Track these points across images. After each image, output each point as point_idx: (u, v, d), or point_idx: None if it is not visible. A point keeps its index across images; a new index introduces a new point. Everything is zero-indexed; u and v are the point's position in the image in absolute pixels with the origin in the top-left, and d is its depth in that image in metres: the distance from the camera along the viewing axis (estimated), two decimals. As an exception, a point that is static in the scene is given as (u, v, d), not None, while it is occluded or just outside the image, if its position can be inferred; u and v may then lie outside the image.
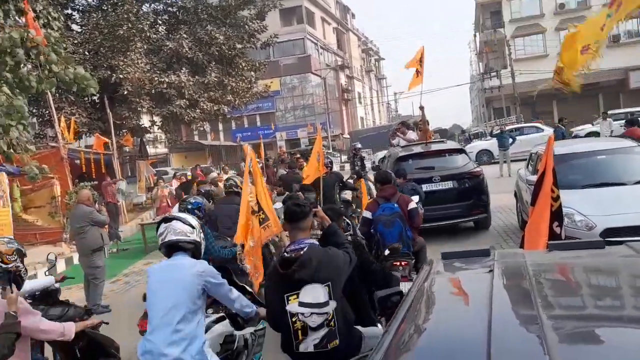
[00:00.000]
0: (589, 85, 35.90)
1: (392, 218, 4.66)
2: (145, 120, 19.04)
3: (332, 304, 2.78)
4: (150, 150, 33.37)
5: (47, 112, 14.33)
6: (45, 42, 8.07)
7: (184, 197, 5.93)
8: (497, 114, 39.36)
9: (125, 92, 15.41)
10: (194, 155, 34.04)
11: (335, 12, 53.67)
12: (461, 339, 1.33)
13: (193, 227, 3.12)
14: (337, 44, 52.85)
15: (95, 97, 16.72)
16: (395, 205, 4.86)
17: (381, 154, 16.75)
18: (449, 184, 8.44)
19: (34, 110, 15.63)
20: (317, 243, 2.98)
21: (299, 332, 2.79)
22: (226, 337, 3.37)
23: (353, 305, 3.04)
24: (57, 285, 3.94)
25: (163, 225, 3.12)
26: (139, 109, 16.28)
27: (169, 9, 17.67)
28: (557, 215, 4.10)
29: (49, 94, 10.63)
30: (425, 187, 7.39)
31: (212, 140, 39.85)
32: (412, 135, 11.42)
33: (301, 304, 2.78)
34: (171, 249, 3.08)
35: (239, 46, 17.19)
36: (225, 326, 3.43)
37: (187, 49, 15.78)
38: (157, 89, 15.54)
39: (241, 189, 5.45)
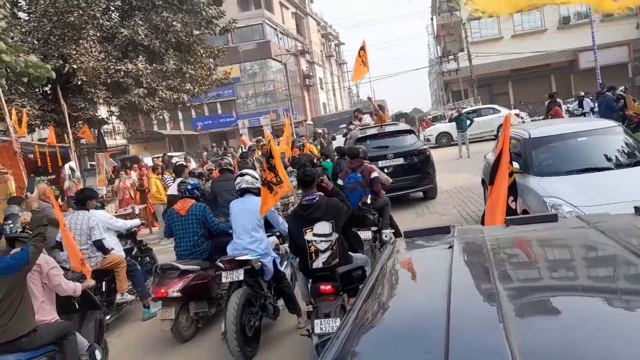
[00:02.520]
0: (541, 66, 37.16)
1: (354, 185, 5.97)
2: (102, 111, 18.48)
3: (334, 235, 4.14)
4: (110, 141, 32.45)
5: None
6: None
7: (182, 179, 6.68)
8: (456, 97, 40.19)
9: (80, 82, 14.88)
10: (154, 145, 33.32)
11: (294, -3, 53.16)
12: (422, 313, 1.38)
13: (257, 179, 5.29)
14: (296, 29, 52.44)
15: (47, 88, 16.08)
16: (359, 175, 6.21)
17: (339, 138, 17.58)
18: (400, 160, 9.90)
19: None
20: (323, 194, 4.37)
21: (313, 254, 4.16)
22: (276, 246, 5.63)
23: (345, 238, 4.37)
24: None
25: (239, 178, 5.28)
26: (95, 99, 15.76)
27: (122, -6, 17.10)
28: (511, 190, 4.33)
29: (2, 85, 10.18)
30: (380, 164, 8.90)
31: (172, 129, 39.03)
32: (368, 119, 13.03)
33: (315, 235, 4.14)
34: (244, 191, 5.23)
35: (196, 33, 16.82)
36: (275, 239, 5.71)
37: (142, 36, 15.32)
38: (114, 78, 15.06)
39: (234, 167, 7.14)
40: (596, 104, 17.22)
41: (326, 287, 4.00)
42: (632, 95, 14.06)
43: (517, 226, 2.15)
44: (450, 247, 1.84)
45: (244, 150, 13.47)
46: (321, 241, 4.13)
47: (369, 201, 5.97)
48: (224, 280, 4.87)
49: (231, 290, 4.84)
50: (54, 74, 8.06)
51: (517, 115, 22.43)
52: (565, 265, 1.72)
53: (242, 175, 5.38)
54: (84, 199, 5.91)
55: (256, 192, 5.24)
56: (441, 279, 1.47)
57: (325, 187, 4.61)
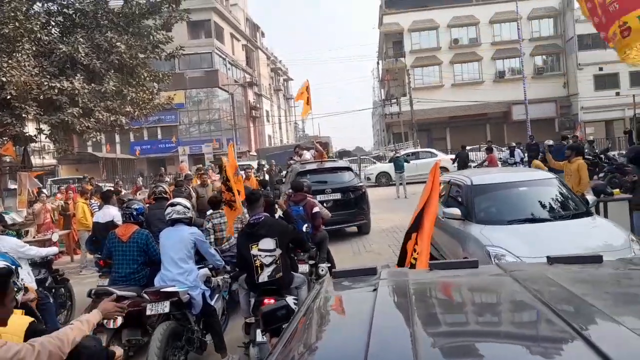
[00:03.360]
0: (478, 115, 39.33)
1: (297, 219, 6.00)
2: (30, 128, 17.42)
3: (278, 251, 4.57)
4: (37, 160, 30.59)
5: None
6: None
7: (127, 202, 6.17)
8: (396, 139, 41.48)
9: (8, 97, 13.99)
10: (87, 167, 31.79)
11: (245, 30, 53.62)
12: (340, 357, 1.39)
13: (188, 209, 5.16)
14: (246, 61, 52.68)
15: (-29, 100, 15.02)
16: (301, 208, 6.49)
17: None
18: (337, 195, 10.33)
19: None
20: (268, 215, 4.93)
21: (259, 267, 4.55)
22: (207, 278, 5.38)
23: (287, 254, 4.90)
24: None
25: (170, 208, 5.14)
26: (23, 115, 14.83)
27: (65, 10, 16.41)
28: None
29: None
30: (319, 197, 8.87)
31: (108, 152, 37.47)
32: (308, 155, 13.64)
33: (260, 249, 4.55)
34: (174, 222, 5.09)
35: (141, 56, 16.38)
36: (207, 271, 5.42)
37: (83, 55, 14.71)
38: (47, 95, 14.28)
39: (169, 195, 7.16)
40: (526, 155, 18.27)
41: (270, 301, 4.34)
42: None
43: (440, 271, 2.20)
44: (374, 289, 1.85)
45: (179, 178, 13.07)
46: (266, 256, 4.56)
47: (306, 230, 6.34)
48: (148, 312, 4.70)
49: (157, 323, 4.65)
50: None
51: (453, 160, 23.34)
52: (482, 311, 1.78)
53: (172, 205, 5.27)
54: None
55: (187, 222, 5.16)
56: (363, 322, 1.49)
57: (280, 207, 5.62)
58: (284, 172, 17.19)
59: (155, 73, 17.89)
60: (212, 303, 5.24)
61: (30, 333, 2.55)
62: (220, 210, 6.86)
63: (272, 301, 4.31)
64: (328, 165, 11.55)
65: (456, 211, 5.98)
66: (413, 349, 1.25)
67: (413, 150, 27.58)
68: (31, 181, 17.59)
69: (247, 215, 6.59)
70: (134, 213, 5.44)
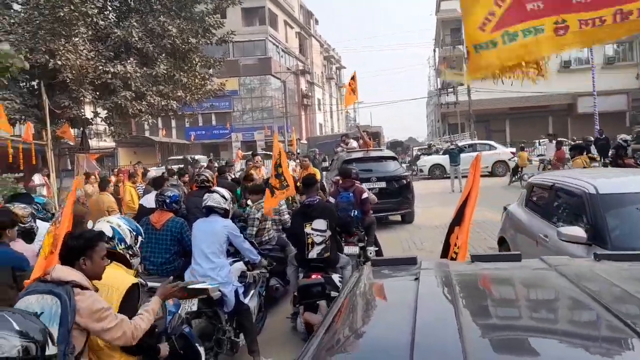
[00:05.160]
0: (540, 107, 37.19)
1: (346, 206, 6.10)
2: (87, 112, 17.86)
3: (328, 232, 5.00)
4: (99, 143, 31.70)
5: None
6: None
7: (161, 189, 5.89)
8: (452, 130, 40.06)
9: (68, 81, 14.29)
10: (143, 151, 32.66)
11: (299, 17, 53.34)
12: (385, 345, 1.37)
13: (226, 199, 4.86)
14: (299, 48, 52.48)
15: (34, 83, 15.48)
16: (351, 194, 6.45)
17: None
18: (382, 184, 10.53)
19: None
20: (320, 199, 5.44)
21: (310, 245, 4.99)
22: (242, 273, 5.08)
23: (335, 237, 5.25)
24: None
25: (207, 195, 4.92)
26: (80, 98, 15.15)
27: (121, -6, 16.66)
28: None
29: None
30: (364, 185, 8.58)
31: (164, 136, 38.34)
32: (354, 144, 14.14)
33: (313, 229, 4.99)
34: (209, 210, 4.81)
35: (193, 40, 16.34)
36: (241, 265, 5.12)
37: (136, 39, 14.82)
38: (102, 79, 14.50)
39: (212, 183, 6.91)
40: (595, 150, 16.87)
41: (317, 277, 4.82)
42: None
43: (481, 263, 2.17)
44: (416, 278, 1.84)
45: (231, 164, 12.92)
46: (317, 235, 4.97)
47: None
48: (183, 307, 4.31)
49: (187, 321, 4.29)
50: (27, 65, 7.46)
51: (513, 154, 22.10)
52: (529, 305, 1.75)
53: (211, 192, 4.98)
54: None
55: (222, 214, 4.83)
56: (406, 311, 1.48)
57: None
58: (328, 160, 17.00)
59: (206, 58, 17.85)
60: (246, 301, 4.88)
61: (130, 293, 2.80)
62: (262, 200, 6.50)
63: (319, 277, 4.82)
64: (373, 154, 11.79)
65: (578, 232, 4.10)
66: (460, 339, 1.23)
67: (470, 142, 26.33)
68: (89, 164, 18.09)
69: (284, 207, 6.66)
70: (167, 201, 5.15)
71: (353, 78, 13.65)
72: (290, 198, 7.66)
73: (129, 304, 2.79)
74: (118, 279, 2.84)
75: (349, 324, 1.68)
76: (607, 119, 31.53)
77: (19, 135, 15.16)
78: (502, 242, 6.12)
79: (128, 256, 3.09)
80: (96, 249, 2.63)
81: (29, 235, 3.95)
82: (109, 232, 3.03)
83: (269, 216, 6.38)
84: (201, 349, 3.68)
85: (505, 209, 6.49)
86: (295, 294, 5.06)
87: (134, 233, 3.18)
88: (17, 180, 11.62)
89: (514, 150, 22.64)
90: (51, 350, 1.89)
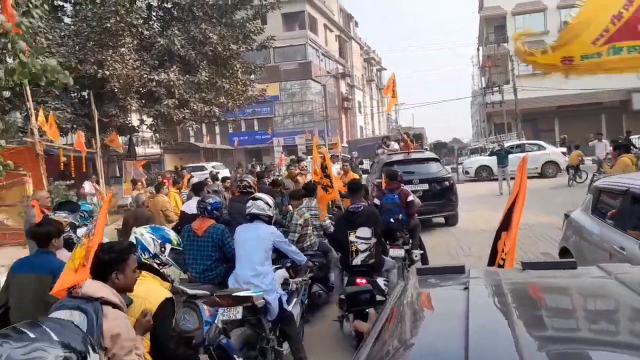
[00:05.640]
0: (592, 104, 35.54)
1: (391, 207, 5.98)
2: (134, 119, 18.40)
3: (373, 240, 4.93)
4: (145, 150, 32.70)
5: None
6: (18, 30, 7.46)
7: (203, 196, 5.94)
8: (498, 130, 38.88)
9: (116, 90, 14.77)
10: (189, 157, 33.36)
11: (339, 20, 53.31)
12: (438, 357, 1.33)
13: (270, 206, 4.78)
14: (339, 51, 52.42)
15: (84, 93, 16.10)
16: (396, 196, 6.37)
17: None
18: (425, 186, 10.40)
19: (17, 103, 14.96)
20: (366, 204, 5.40)
21: (354, 252, 4.92)
22: (285, 280, 4.96)
23: (380, 242, 5.18)
24: None
25: (251, 202, 4.78)
26: (127, 106, 15.62)
27: (164, 5, 17.05)
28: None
29: (25, 86, 10.01)
30: (407, 187, 8.61)
31: (208, 142, 39.13)
32: (395, 146, 14.21)
33: (357, 237, 4.91)
34: (254, 217, 4.73)
35: (233, 47, 16.56)
36: (284, 273, 5.02)
37: (179, 47, 15.15)
38: (146, 87, 14.89)
39: (255, 189, 6.92)
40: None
41: (361, 281, 4.77)
42: None
43: (534, 271, 2.05)
44: (465, 288, 1.78)
45: (272, 169, 12.96)
46: (361, 243, 4.91)
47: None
48: (220, 317, 4.24)
49: (230, 328, 4.23)
50: (71, 81, 7.69)
51: (564, 154, 21.17)
52: (589, 315, 1.65)
53: (254, 199, 4.89)
54: (43, 235, 3.73)
55: (266, 220, 4.74)
56: (457, 322, 1.43)
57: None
58: (365, 164, 16.89)
59: (247, 64, 18.03)
60: (290, 308, 4.76)
61: (163, 308, 2.73)
62: (307, 205, 6.41)
63: (364, 281, 4.76)
64: (415, 156, 11.72)
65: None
66: (518, 353, 1.18)
67: (517, 142, 25.41)
68: (136, 171, 18.63)
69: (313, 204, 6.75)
70: (208, 208, 5.11)
71: (393, 81, 13.67)
72: (330, 202, 7.68)
73: (164, 320, 2.73)
74: (152, 292, 2.79)
75: (397, 335, 1.63)
76: (665, 115, 29.77)
77: (71, 144, 15.79)
78: (564, 252, 5.47)
79: (155, 265, 3.04)
80: (128, 262, 2.59)
81: (67, 245, 3.98)
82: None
83: (315, 219, 6.44)
84: None
85: (566, 216, 5.86)
86: (342, 297, 4.89)
87: (159, 241, 3.11)
88: (68, 188, 12.05)
89: (564, 150, 21.70)
90: (92, 358, 1.84)
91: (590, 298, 1.84)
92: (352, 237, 4.93)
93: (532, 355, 1.20)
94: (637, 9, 3.07)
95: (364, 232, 4.92)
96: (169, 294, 2.87)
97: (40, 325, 1.80)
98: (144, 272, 2.88)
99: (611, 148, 14.63)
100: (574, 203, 12.47)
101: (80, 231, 4.57)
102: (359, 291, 3.59)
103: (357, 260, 4.92)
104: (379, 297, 4.42)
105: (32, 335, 1.72)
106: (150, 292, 2.78)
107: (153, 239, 3.08)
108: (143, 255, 3.01)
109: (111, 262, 2.54)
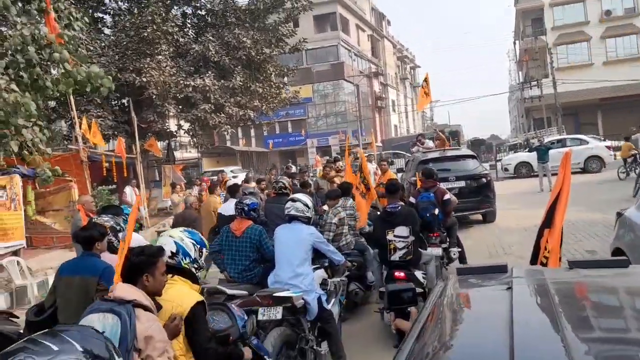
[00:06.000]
0: (636, 95, 34.04)
1: (427, 205, 6.08)
2: (171, 125, 18.85)
3: (411, 238, 5.10)
4: (184, 154, 33.44)
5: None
6: (60, 40, 7.77)
7: (240, 198, 6.07)
8: (537, 125, 37.84)
9: (154, 96, 15.19)
10: (225, 160, 33.91)
11: (370, 19, 53.07)
12: (483, 357, 1.30)
13: (309, 207, 4.82)
14: (371, 51, 52.18)
15: (124, 101, 16.64)
16: (432, 194, 6.43)
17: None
18: (462, 183, 10.41)
19: (62, 112, 15.58)
20: (403, 205, 5.47)
21: (392, 250, 5.11)
22: (323, 280, 5.00)
23: (418, 239, 5.35)
24: None
25: (290, 203, 4.82)
26: (165, 112, 16.03)
27: (198, 12, 17.43)
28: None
29: (69, 95, 10.42)
30: (442, 185, 8.47)
31: (244, 145, 39.70)
32: (430, 143, 13.96)
33: (395, 236, 5.09)
34: (292, 218, 4.78)
35: (266, 51, 16.75)
36: (322, 273, 5.04)
37: (213, 52, 15.44)
38: (183, 93, 15.25)
39: (290, 190, 6.84)
40: None
41: (400, 274, 4.99)
42: None
43: (581, 270, 1.98)
44: (509, 288, 1.74)
45: (305, 170, 13.02)
46: (399, 241, 5.09)
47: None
48: (260, 317, 4.29)
49: (270, 327, 4.28)
50: (113, 86, 7.96)
51: (609, 148, 20.40)
52: (638, 316, 1.56)
53: (293, 200, 4.92)
54: (88, 239, 3.83)
55: (305, 222, 4.80)
56: (501, 323, 1.39)
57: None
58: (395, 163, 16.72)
59: (280, 67, 18.19)
60: (328, 307, 4.76)
61: (195, 311, 2.74)
62: (338, 205, 6.41)
63: (402, 274, 4.97)
64: (450, 153, 11.64)
65: None
66: (567, 354, 1.14)
67: (558, 137, 24.64)
68: (175, 175, 19.09)
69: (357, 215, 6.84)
70: (246, 208, 5.17)
71: (426, 80, 13.69)
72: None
73: (200, 322, 2.75)
74: (184, 296, 2.80)
75: (438, 335, 1.60)
76: None
77: (112, 150, 16.34)
78: (617, 253, 5.11)
79: (194, 270, 3.04)
80: (158, 265, 2.60)
81: (110, 248, 4.06)
82: (172, 247, 2.98)
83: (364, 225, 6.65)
84: None
85: (619, 214, 5.57)
86: (381, 289, 5.14)
87: (198, 246, 3.11)
88: (111, 192, 12.47)
89: (609, 144, 20.89)
90: None
91: None
92: (390, 236, 5.10)
93: (581, 357, 1.16)
94: None
95: (402, 231, 5.08)
96: (200, 297, 2.89)
97: (60, 334, 1.77)
98: (174, 276, 2.88)
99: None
100: (620, 199, 12.05)
101: (122, 235, 4.72)
102: (401, 289, 3.58)
103: (396, 257, 5.11)
104: (418, 290, 4.77)
105: (55, 347, 1.68)
106: (182, 296, 2.79)
107: (193, 243, 3.08)
108: (184, 260, 3.00)
109: (142, 265, 2.57)
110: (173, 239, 3.03)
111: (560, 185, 3.79)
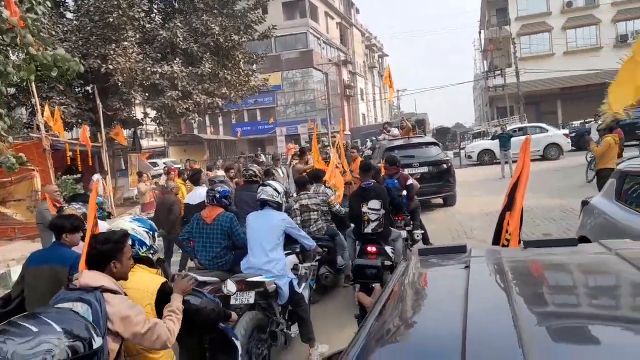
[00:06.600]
0: (595, 85, 35.29)
1: (394, 191, 6.38)
2: (138, 112, 18.51)
3: (382, 211, 5.62)
4: (149, 143, 32.86)
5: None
6: (22, 23, 7.55)
7: (212, 186, 6.11)
8: (501, 113, 38.78)
9: (120, 84, 14.87)
10: (193, 148, 33.52)
11: (339, 7, 52.98)
12: (436, 335, 1.35)
13: (279, 193, 4.91)
14: (340, 39, 52.17)
15: (88, 88, 16.22)
16: (396, 180, 6.84)
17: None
18: (424, 169, 11.04)
19: (22, 100, 15.10)
20: (375, 182, 5.99)
21: (365, 222, 5.64)
22: (294, 265, 5.15)
23: (388, 215, 5.88)
24: None
25: (260, 188, 4.97)
26: (131, 100, 15.73)
27: (165, -4, 17.13)
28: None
29: (31, 81, 10.13)
30: (407, 171, 8.99)
31: (212, 134, 39.26)
32: (395, 131, 14.66)
33: (368, 208, 5.61)
34: (263, 203, 4.88)
35: (235, 37, 16.59)
36: (294, 258, 5.22)
37: (181, 39, 15.20)
38: (150, 80, 14.98)
39: (260, 178, 6.91)
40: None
41: (372, 249, 5.49)
42: None
43: (535, 249, 2.09)
44: (466, 266, 1.81)
45: (278, 158, 13.11)
46: (372, 213, 5.61)
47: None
48: (232, 302, 4.40)
49: (241, 312, 4.39)
50: (82, 68, 7.80)
51: (566, 135, 21.18)
52: (588, 291, 1.66)
53: (264, 185, 5.03)
54: (60, 228, 3.88)
55: (275, 207, 4.89)
56: (457, 300, 1.45)
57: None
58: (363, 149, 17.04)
59: (249, 55, 18.07)
60: (299, 291, 4.90)
61: (162, 293, 2.81)
62: (308, 192, 6.54)
63: (374, 249, 5.47)
64: (415, 140, 12.28)
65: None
66: (515, 327, 1.19)
67: (520, 125, 25.40)
68: (141, 163, 18.78)
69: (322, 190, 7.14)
70: (217, 196, 5.23)
71: (388, 72, 14.11)
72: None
73: (164, 304, 2.78)
74: (147, 281, 2.85)
75: (398, 313, 1.66)
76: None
77: (76, 139, 15.95)
78: (583, 241, 5.30)
79: (151, 256, 3.08)
80: (124, 250, 2.62)
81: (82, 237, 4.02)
82: None
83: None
84: (238, 343, 3.65)
85: (584, 203, 5.51)
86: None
87: (151, 232, 3.14)
88: (75, 182, 12.22)
89: (567, 132, 21.67)
90: (97, 342, 1.83)
91: (590, 274, 1.84)
92: (364, 209, 5.65)
93: (530, 330, 1.21)
94: None
95: (374, 204, 5.63)
96: (163, 279, 2.94)
97: (39, 316, 1.76)
98: (135, 265, 2.90)
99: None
100: (576, 185, 12.61)
101: (101, 223, 4.72)
102: (366, 264, 3.77)
103: (369, 229, 5.63)
104: (387, 262, 5.18)
105: (34, 329, 1.67)
106: (146, 282, 2.83)
107: (146, 231, 3.09)
108: (141, 249, 3.03)
109: (110, 252, 2.57)
110: (126, 230, 3.00)
111: (520, 169, 3.90)
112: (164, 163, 22.10)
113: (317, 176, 7.17)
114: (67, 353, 1.67)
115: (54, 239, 4.10)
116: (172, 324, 2.58)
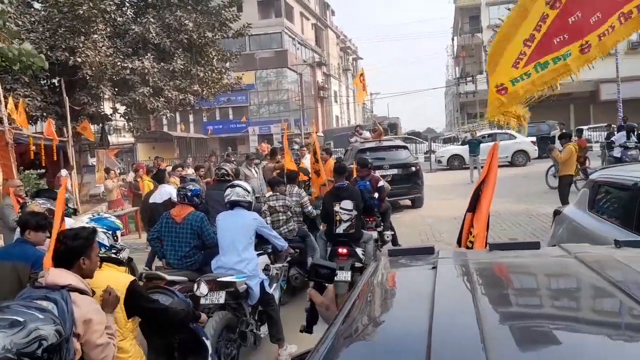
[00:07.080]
0: (562, 95, 36.29)
1: (365, 193, 6.48)
2: (107, 108, 18.08)
3: (354, 212, 5.68)
4: (118, 139, 32.12)
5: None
6: (-14, 15, 7.30)
7: (183, 184, 6.13)
8: (471, 119, 39.52)
9: (88, 77, 14.49)
10: (162, 146, 32.94)
11: (315, 8, 53.06)
12: (403, 334, 1.37)
13: (248, 192, 4.94)
14: (315, 40, 52.25)
15: (54, 80, 15.74)
16: (368, 182, 7.02)
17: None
18: (395, 171, 11.49)
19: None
20: (349, 183, 6.21)
21: (337, 222, 5.71)
22: (265, 266, 5.16)
23: (360, 217, 5.94)
24: None
25: (229, 189, 4.93)
26: (99, 94, 15.35)
27: (138, -10, 16.79)
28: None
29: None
30: (378, 173, 9.20)
31: (182, 131, 38.69)
32: (367, 134, 15.09)
33: (341, 208, 5.69)
34: (233, 204, 4.87)
35: (209, 35, 16.39)
36: (266, 259, 5.24)
37: (154, 34, 14.92)
38: (120, 75, 14.65)
39: (232, 177, 6.93)
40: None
41: (343, 250, 5.55)
42: None
43: (500, 251, 2.16)
44: (434, 267, 1.85)
45: (254, 157, 13.00)
46: (344, 213, 5.69)
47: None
48: (202, 302, 4.34)
49: (211, 312, 4.35)
50: (46, 64, 7.57)
51: (533, 143, 21.74)
52: (547, 293, 1.72)
53: (232, 186, 4.99)
54: (22, 224, 3.89)
55: (246, 207, 4.88)
56: (424, 299, 1.49)
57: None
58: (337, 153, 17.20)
59: (223, 52, 17.88)
60: (270, 291, 4.91)
61: (131, 291, 2.80)
62: (277, 193, 6.52)
63: (345, 250, 5.53)
64: (386, 143, 12.76)
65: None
66: (479, 326, 1.22)
67: (489, 131, 25.93)
68: (109, 160, 18.33)
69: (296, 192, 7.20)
70: (189, 194, 5.14)
71: (361, 75, 14.41)
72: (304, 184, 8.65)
73: (142, 296, 2.77)
74: (115, 280, 2.81)
75: (366, 313, 1.68)
76: (630, 106, 30.73)
77: (41, 132, 15.44)
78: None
79: (113, 255, 3.04)
80: (93, 247, 2.60)
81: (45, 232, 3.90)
82: None
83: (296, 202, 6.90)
84: (208, 343, 3.65)
85: (556, 212, 5.44)
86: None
87: (110, 231, 3.09)
88: (39, 177, 11.84)
89: (534, 139, 22.25)
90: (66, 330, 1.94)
91: (551, 277, 1.91)
92: (336, 208, 5.72)
93: (493, 329, 1.24)
94: (547, 28, 3.21)
95: (347, 204, 5.71)
96: (131, 277, 2.92)
97: (18, 308, 1.82)
98: (101, 265, 2.86)
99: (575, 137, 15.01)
100: (541, 191, 12.94)
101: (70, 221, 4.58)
102: (322, 265, 3.82)
103: (340, 229, 5.70)
104: (357, 264, 5.38)
105: (21, 319, 1.72)
106: (113, 280, 2.79)
107: (104, 232, 3.04)
108: (100, 251, 2.95)
109: (80, 249, 2.52)
110: (94, 226, 2.97)
111: (486, 173, 3.90)
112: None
113: (291, 178, 7.16)
114: (56, 337, 1.77)
115: (16, 237, 3.98)
116: (113, 349, 2.48)
